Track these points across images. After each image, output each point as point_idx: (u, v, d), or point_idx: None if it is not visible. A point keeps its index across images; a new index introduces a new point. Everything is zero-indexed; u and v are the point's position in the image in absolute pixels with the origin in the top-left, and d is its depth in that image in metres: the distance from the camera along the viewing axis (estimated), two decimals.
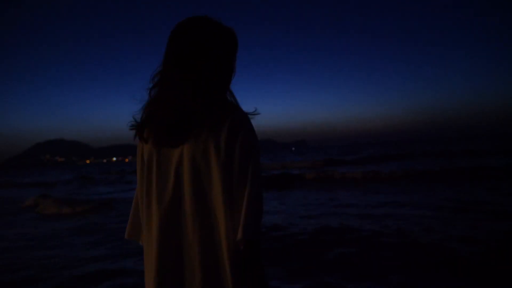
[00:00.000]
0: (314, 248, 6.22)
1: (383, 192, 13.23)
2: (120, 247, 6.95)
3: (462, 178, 15.46)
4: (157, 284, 1.19)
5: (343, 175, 18.99)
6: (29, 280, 5.24)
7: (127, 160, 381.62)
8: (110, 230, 8.90)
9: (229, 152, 1.14)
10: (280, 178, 19.61)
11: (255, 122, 1.24)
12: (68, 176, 45.70)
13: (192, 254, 1.18)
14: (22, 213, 13.06)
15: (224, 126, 1.15)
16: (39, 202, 14.04)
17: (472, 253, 5.37)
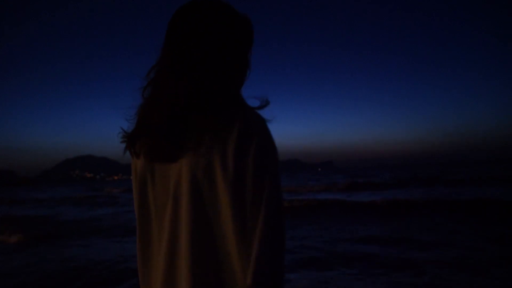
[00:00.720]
0: None
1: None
2: None
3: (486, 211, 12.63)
4: None
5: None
6: None
7: None
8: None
9: (240, 168, 0.88)
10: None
11: (279, 136, 0.28)
12: (78, 193, 44.37)
13: None
14: None
15: (232, 132, 0.89)
16: None
17: None
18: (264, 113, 0.96)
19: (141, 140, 0.99)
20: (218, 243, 0.89)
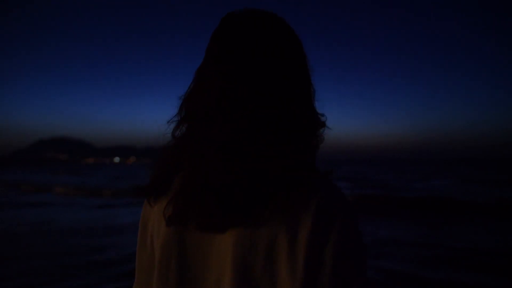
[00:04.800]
0: None
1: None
2: None
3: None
4: None
5: None
6: None
7: (130, 161, 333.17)
8: None
9: (315, 259, 0.65)
10: None
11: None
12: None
13: None
14: None
15: (308, 211, 0.66)
16: None
17: None
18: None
19: (168, 194, 0.74)
20: None
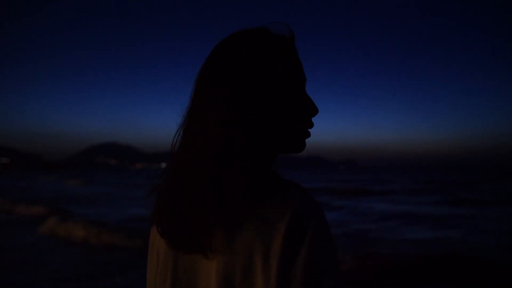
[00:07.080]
0: None
1: None
2: None
3: None
4: None
5: None
6: None
7: None
8: None
9: (286, 272, 0.66)
10: None
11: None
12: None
13: None
14: None
15: (280, 225, 0.67)
16: None
17: None
18: None
19: (168, 217, 0.75)
20: None
